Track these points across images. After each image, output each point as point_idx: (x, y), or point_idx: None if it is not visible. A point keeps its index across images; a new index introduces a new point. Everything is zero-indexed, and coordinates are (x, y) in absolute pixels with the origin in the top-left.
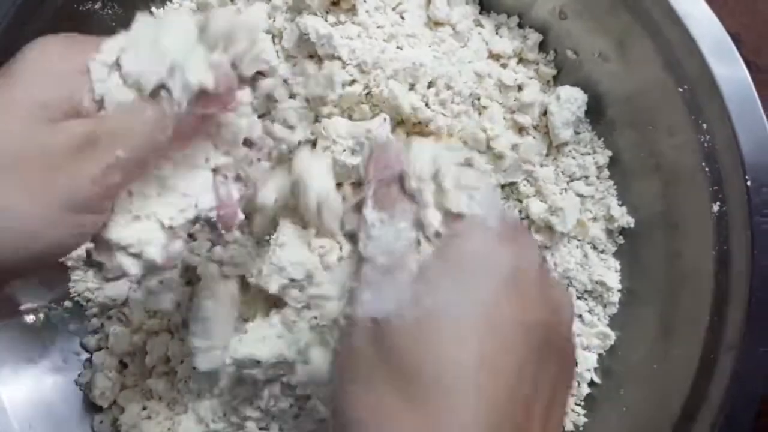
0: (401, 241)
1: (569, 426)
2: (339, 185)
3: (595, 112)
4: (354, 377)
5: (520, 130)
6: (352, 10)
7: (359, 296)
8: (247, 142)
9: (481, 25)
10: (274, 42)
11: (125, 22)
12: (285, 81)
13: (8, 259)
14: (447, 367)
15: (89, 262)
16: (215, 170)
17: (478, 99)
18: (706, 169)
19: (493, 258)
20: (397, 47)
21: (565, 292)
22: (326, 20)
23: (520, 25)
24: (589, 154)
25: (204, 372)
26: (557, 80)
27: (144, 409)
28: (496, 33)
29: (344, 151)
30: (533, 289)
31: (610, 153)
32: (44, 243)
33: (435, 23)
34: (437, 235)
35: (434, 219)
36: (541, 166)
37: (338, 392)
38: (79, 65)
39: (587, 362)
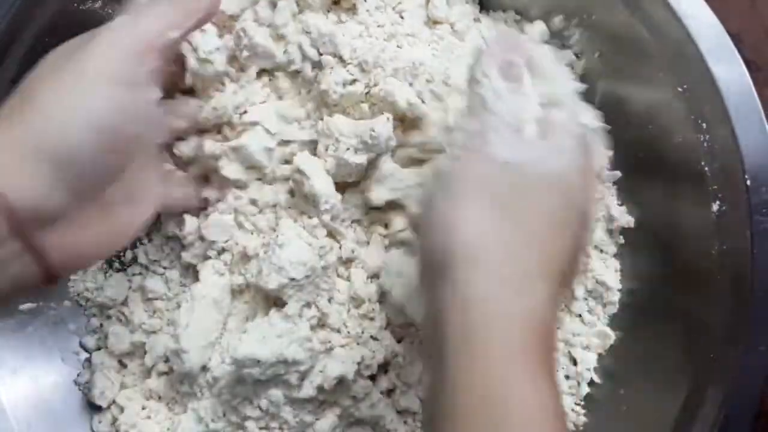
0: (527, 113)
1: (569, 426)
2: (338, 184)
3: (596, 112)
4: (479, 198)
5: None
6: (353, 9)
7: (490, 136)
8: None
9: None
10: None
11: None
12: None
13: None
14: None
15: None
16: None
17: None
18: (706, 168)
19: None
20: (397, 46)
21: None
22: (327, 18)
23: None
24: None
25: (190, 372)
26: None
27: (143, 408)
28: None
29: (348, 149)
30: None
31: (610, 153)
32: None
33: (434, 22)
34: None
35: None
36: None
37: (448, 210)
38: None
39: (587, 362)
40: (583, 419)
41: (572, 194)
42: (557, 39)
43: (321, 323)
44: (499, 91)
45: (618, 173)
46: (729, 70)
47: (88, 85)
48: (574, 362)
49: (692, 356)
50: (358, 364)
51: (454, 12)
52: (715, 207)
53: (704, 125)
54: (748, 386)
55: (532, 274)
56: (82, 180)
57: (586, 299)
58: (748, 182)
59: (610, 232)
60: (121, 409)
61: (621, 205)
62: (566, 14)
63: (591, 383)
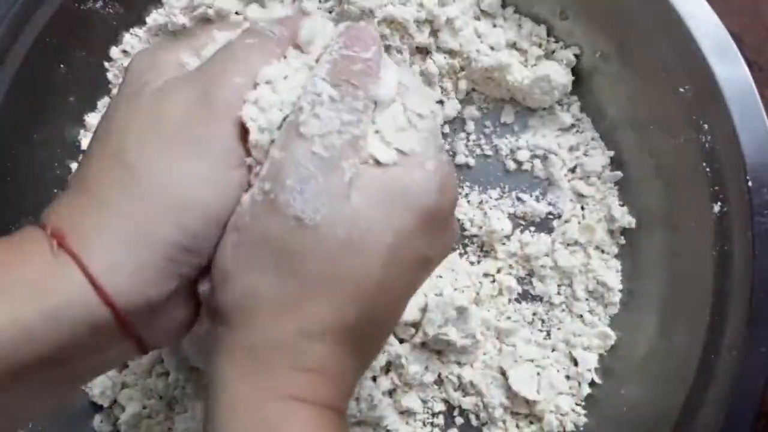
0: (344, 135)
1: (569, 426)
2: None
3: (597, 112)
4: (259, 265)
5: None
6: None
7: (286, 178)
8: None
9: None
10: None
11: (126, 22)
12: None
13: None
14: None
15: None
16: None
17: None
18: (707, 169)
19: (422, 196)
20: None
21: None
22: None
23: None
24: (591, 154)
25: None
26: None
27: (144, 408)
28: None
29: None
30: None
31: (611, 153)
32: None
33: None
34: (377, 163)
35: (379, 149)
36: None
37: (229, 276)
38: None
39: (588, 362)
40: (583, 419)
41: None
42: (557, 38)
43: None
44: (321, 105)
45: (619, 174)
46: (730, 71)
47: (209, 168)
48: (575, 363)
49: (693, 357)
50: None
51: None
52: (716, 208)
53: (705, 126)
54: (748, 387)
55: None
56: (195, 268)
57: (587, 300)
58: (750, 183)
59: (611, 232)
60: (122, 409)
61: (622, 205)
62: (567, 14)
63: (592, 384)
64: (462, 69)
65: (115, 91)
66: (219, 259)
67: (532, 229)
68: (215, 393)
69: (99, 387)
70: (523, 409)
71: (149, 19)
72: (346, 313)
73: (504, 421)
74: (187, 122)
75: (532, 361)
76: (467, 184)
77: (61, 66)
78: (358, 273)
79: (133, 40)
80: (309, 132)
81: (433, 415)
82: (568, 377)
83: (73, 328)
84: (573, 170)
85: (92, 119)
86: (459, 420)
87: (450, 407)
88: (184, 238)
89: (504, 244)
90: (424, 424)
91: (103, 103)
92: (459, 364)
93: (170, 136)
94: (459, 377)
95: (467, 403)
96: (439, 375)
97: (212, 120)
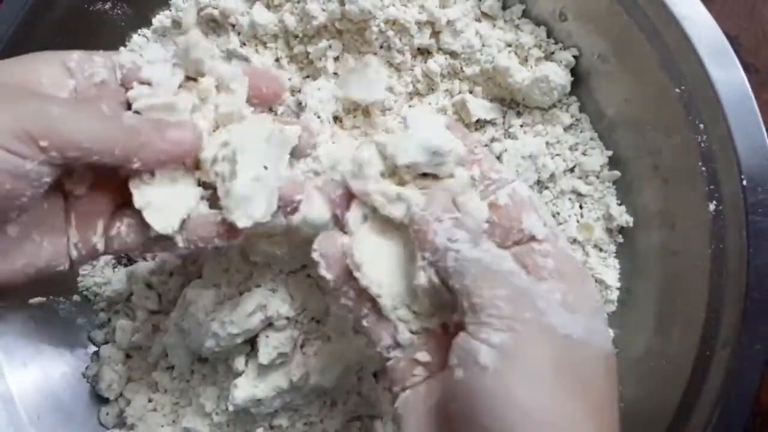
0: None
1: None
2: None
3: (595, 113)
4: (535, 381)
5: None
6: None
7: (533, 301)
8: None
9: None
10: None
11: (134, 23)
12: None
13: None
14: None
15: None
16: None
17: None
18: (703, 169)
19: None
20: None
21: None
22: None
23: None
24: (589, 153)
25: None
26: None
27: (149, 401)
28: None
29: None
30: None
31: (609, 153)
32: None
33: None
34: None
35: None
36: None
37: (501, 398)
38: None
39: None
40: None
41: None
42: (556, 40)
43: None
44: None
45: (617, 173)
46: (726, 72)
47: None
48: None
49: (688, 354)
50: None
51: (455, 10)
52: (711, 207)
53: (702, 126)
54: (743, 384)
55: None
56: None
57: None
58: (744, 182)
59: (609, 231)
60: (128, 402)
61: (620, 204)
62: (566, 16)
63: None
64: (463, 70)
65: None
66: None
67: None
68: None
69: (105, 380)
70: None
71: (155, 21)
72: None
73: None
74: None
75: None
76: None
77: None
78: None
79: (140, 40)
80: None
81: None
82: None
83: None
84: (572, 170)
85: None
86: None
87: None
88: None
89: None
90: None
91: None
92: None
93: None
94: None
95: None
96: None
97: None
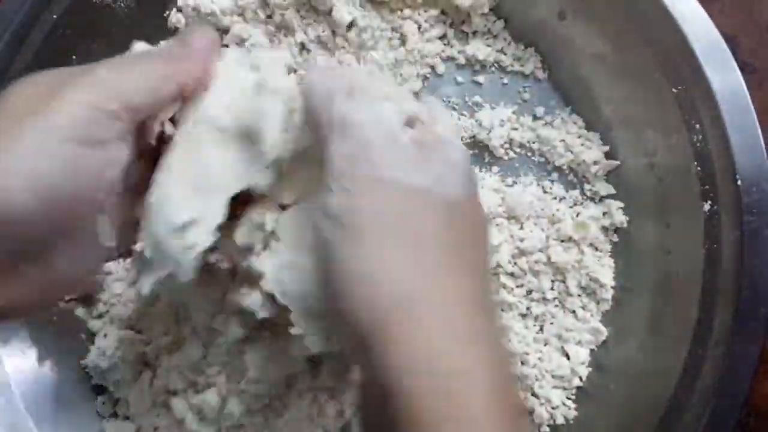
0: (393, 122)
1: (560, 419)
2: None
3: (592, 112)
4: (393, 237)
5: None
6: None
7: (368, 153)
8: None
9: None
10: None
11: (138, 17)
12: None
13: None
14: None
15: None
16: None
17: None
18: (698, 168)
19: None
20: None
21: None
22: None
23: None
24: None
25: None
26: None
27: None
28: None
29: None
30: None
31: (606, 148)
32: None
33: None
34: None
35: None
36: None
37: (360, 260)
38: None
39: (579, 357)
40: (573, 413)
41: (478, 216)
42: (555, 40)
43: None
44: (354, 107)
45: (614, 163)
46: (722, 72)
47: (42, 145)
48: (567, 357)
49: (681, 353)
50: None
51: None
52: (706, 207)
53: (698, 126)
54: (735, 382)
55: (478, 312)
56: (20, 243)
57: (579, 296)
58: (739, 182)
59: (605, 229)
60: (125, 392)
61: (616, 203)
62: (565, 15)
63: (582, 378)
64: None
65: None
66: (339, 270)
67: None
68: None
69: (103, 370)
70: None
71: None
72: None
73: None
74: (45, 98)
75: (525, 354)
76: None
77: (74, 58)
78: (471, 227)
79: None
80: (359, 122)
81: None
82: (559, 371)
83: None
84: (569, 168)
85: None
86: None
87: None
88: (7, 211)
89: None
90: None
91: None
92: None
93: (23, 114)
94: None
95: None
96: None
97: (62, 103)
